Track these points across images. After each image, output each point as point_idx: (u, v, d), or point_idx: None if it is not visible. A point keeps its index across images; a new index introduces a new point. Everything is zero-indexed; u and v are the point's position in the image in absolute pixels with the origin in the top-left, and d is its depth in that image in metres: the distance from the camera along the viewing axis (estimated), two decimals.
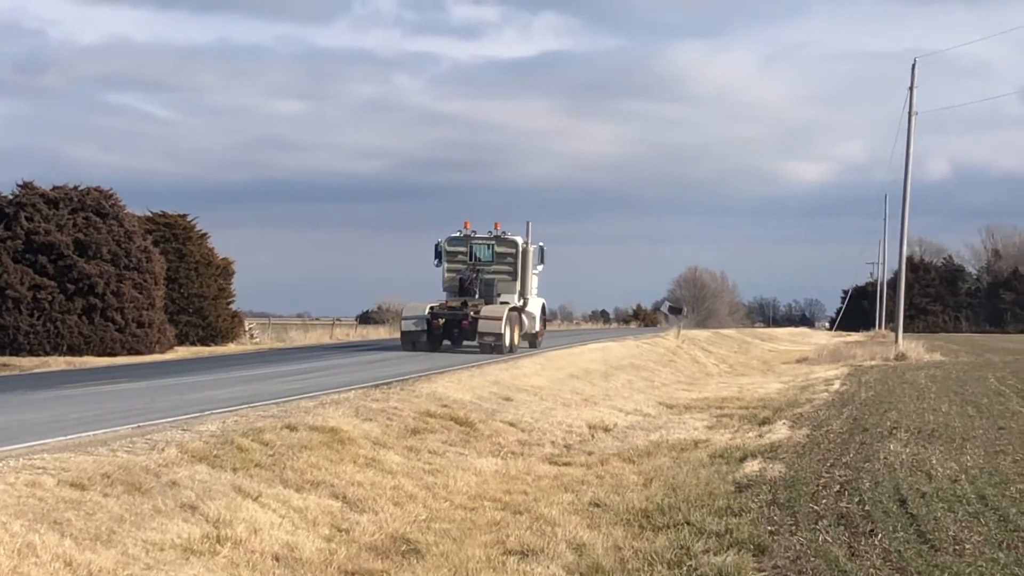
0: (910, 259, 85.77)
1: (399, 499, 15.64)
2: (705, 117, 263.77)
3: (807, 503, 14.01)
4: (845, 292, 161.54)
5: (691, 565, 11.29)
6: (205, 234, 51.56)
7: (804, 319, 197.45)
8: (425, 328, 40.05)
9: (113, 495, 12.41)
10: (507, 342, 39.69)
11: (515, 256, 42.96)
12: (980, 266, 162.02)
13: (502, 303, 41.32)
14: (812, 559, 11.08)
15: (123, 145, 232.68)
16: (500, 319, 39.36)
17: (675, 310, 77.74)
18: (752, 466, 17.49)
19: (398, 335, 43.10)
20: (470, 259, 42.68)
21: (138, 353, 40.52)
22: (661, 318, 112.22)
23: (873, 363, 49.78)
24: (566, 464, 20.26)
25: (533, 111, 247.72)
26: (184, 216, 51.22)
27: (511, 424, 23.32)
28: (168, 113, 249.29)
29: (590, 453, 21.58)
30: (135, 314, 41.24)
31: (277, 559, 12.14)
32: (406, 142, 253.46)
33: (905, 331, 63.34)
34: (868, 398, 29.92)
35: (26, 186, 42.05)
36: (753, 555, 11.28)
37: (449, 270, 42.89)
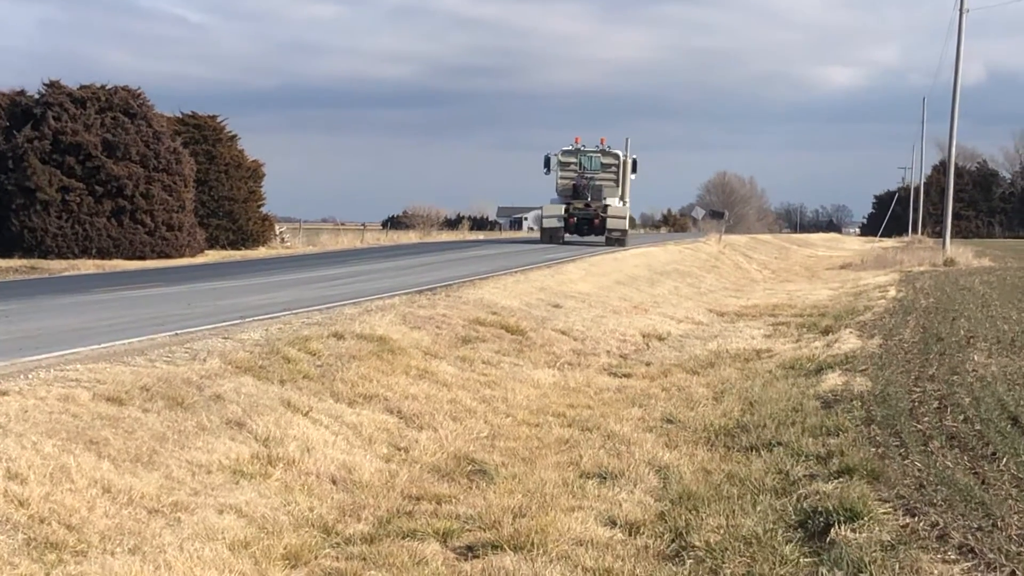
0: (944, 164, 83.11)
1: (457, 414, 14.54)
2: (738, 22, 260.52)
3: (908, 421, 12.80)
4: (877, 197, 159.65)
5: (800, 494, 10.07)
6: (235, 136, 50.41)
7: (831, 225, 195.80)
8: (562, 225, 50.55)
9: (153, 410, 11.31)
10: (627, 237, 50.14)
11: (617, 166, 52.21)
12: (1014, 171, 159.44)
13: (605, 205, 50.43)
14: (938, 487, 9.77)
15: (155, 49, 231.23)
16: (625, 218, 50.99)
17: (716, 214, 76.40)
18: (832, 379, 16.30)
19: (428, 239, 54.66)
20: (579, 168, 51.53)
21: (168, 257, 39.66)
22: (690, 223, 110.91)
23: (922, 269, 48.25)
24: (626, 375, 19.17)
25: (566, 15, 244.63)
26: (214, 117, 49.95)
27: (563, 332, 22.16)
28: (200, 17, 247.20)
29: (648, 364, 20.47)
30: (165, 216, 40.31)
31: (334, 482, 11.07)
32: (436, 47, 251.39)
33: (940, 236, 61.76)
34: (930, 305, 28.59)
35: (52, 85, 40.87)
36: (868, 483, 10.02)
37: (562, 177, 51.74)
